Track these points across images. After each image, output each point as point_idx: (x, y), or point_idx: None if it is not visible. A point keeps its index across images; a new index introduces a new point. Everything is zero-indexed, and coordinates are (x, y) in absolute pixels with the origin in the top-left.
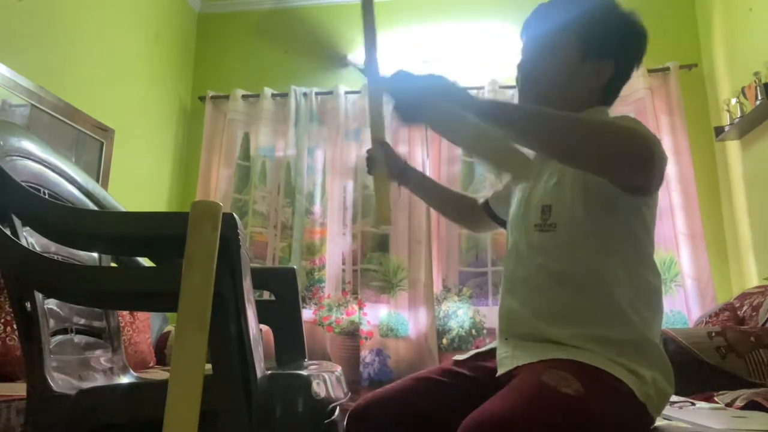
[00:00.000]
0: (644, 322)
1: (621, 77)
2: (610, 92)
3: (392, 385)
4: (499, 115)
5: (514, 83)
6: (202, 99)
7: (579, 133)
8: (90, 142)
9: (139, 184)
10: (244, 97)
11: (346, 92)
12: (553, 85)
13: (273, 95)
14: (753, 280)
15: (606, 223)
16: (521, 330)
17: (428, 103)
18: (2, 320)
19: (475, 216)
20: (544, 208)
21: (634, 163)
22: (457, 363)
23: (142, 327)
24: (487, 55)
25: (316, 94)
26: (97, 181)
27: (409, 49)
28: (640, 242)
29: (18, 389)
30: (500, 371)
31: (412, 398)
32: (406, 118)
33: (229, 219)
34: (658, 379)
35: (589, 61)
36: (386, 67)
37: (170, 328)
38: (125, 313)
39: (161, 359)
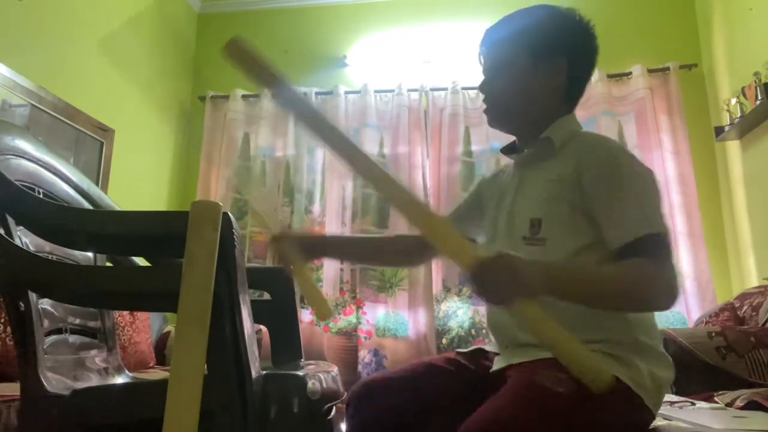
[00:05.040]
0: (638, 320)
1: (578, 74)
2: (571, 90)
3: (394, 369)
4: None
5: None
6: (202, 99)
7: (628, 301)
8: (90, 142)
9: (139, 184)
10: (244, 97)
11: (346, 92)
12: (512, 98)
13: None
14: (753, 280)
15: (598, 238)
16: (517, 339)
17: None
18: (2, 320)
19: (425, 249)
20: (533, 221)
21: (675, 297)
22: (460, 354)
23: (142, 327)
24: None
25: (316, 94)
26: (97, 181)
27: (408, 49)
28: None
29: (19, 389)
30: (494, 368)
31: (413, 382)
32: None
33: (224, 219)
34: (655, 372)
35: (541, 64)
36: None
37: (170, 328)
38: (125, 313)
39: (161, 359)
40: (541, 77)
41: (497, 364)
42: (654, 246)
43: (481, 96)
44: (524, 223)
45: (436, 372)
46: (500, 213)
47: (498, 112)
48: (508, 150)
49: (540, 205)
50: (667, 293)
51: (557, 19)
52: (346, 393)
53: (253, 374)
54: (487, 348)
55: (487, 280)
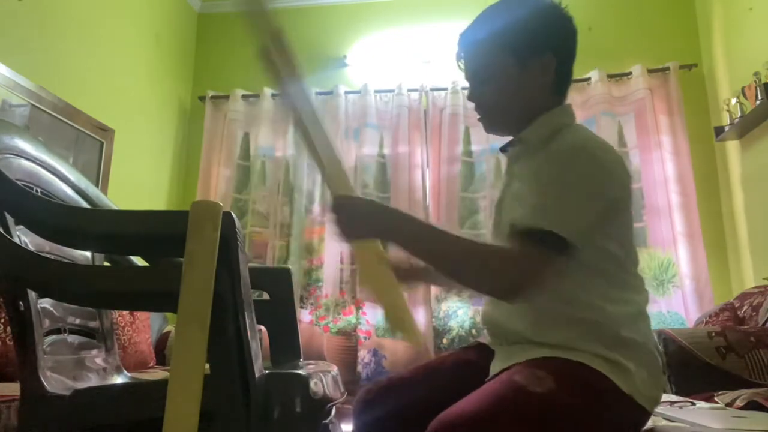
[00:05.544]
0: (627, 318)
1: (566, 62)
2: (561, 80)
3: (402, 372)
4: (411, 249)
5: None
6: (202, 99)
7: (467, 272)
8: (90, 142)
9: (139, 184)
10: (244, 97)
11: (346, 92)
12: (504, 104)
13: (273, 95)
14: (752, 281)
15: None
16: (509, 337)
17: (368, 230)
18: (2, 320)
19: None
20: (512, 225)
21: (510, 291)
22: (463, 350)
23: (142, 327)
24: None
25: (316, 94)
26: (97, 181)
27: (408, 49)
28: (614, 250)
29: (19, 389)
30: (492, 371)
31: (418, 383)
32: (347, 238)
33: (227, 219)
34: (644, 372)
35: (529, 64)
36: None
37: (170, 328)
38: (125, 313)
39: (161, 359)
40: (530, 78)
41: (494, 368)
42: (532, 241)
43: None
44: (507, 224)
45: (441, 371)
46: (495, 212)
47: (493, 121)
48: (506, 148)
49: (514, 207)
50: (503, 284)
51: (537, 13)
52: (346, 393)
53: (256, 374)
54: (486, 342)
55: (339, 216)
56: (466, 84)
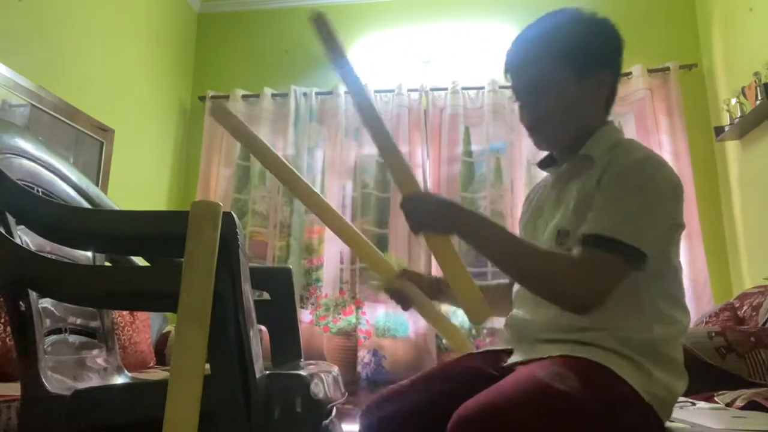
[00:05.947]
0: (671, 337)
1: (617, 78)
2: (611, 95)
3: (407, 380)
4: (483, 250)
5: None
6: (202, 99)
7: (535, 280)
8: (90, 142)
9: (139, 184)
10: (244, 97)
11: (346, 92)
12: (562, 119)
13: (273, 95)
14: (752, 281)
15: None
16: (535, 337)
17: (442, 224)
18: (2, 320)
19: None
20: (560, 232)
21: (577, 305)
22: (471, 356)
23: (142, 327)
24: (486, 55)
25: (316, 94)
26: (97, 181)
27: (408, 49)
28: (673, 259)
29: (19, 389)
30: (510, 361)
31: (427, 387)
32: (418, 231)
33: (228, 219)
34: (671, 383)
35: (587, 79)
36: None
37: (170, 328)
38: (125, 313)
39: (161, 359)
40: (587, 94)
41: (512, 360)
42: (599, 247)
43: (484, 97)
44: (551, 234)
45: (445, 378)
46: (531, 222)
47: (545, 132)
48: (544, 164)
49: (569, 216)
50: (571, 295)
51: (593, 30)
52: (347, 393)
53: (257, 374)
54: (498, 347)
55: (411, 209)
56: (466, 84)
